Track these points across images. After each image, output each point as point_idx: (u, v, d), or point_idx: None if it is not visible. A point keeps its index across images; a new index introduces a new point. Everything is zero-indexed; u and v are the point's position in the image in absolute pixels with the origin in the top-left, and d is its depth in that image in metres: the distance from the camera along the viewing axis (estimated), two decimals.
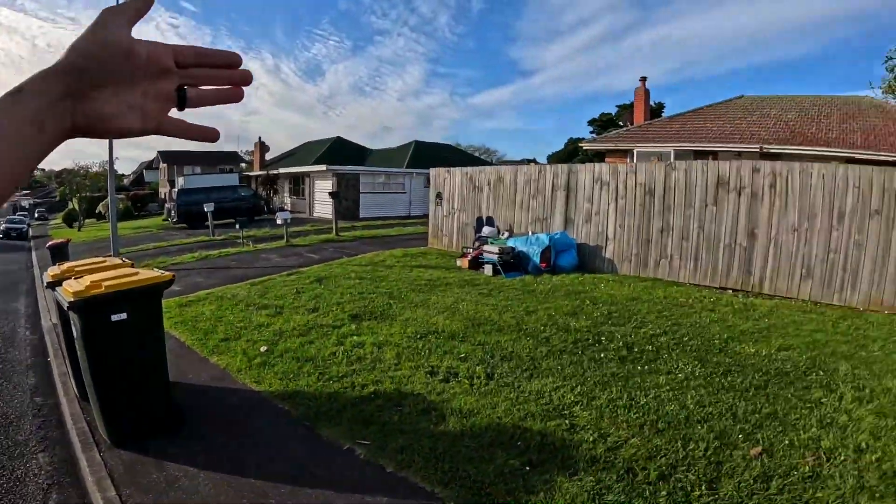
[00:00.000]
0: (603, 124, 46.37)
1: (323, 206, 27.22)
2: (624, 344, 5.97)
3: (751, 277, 8.80)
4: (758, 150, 17.30)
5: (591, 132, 47.22)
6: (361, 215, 27.01)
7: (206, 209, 19.52)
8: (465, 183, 13.00)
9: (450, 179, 13.45)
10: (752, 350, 5.84)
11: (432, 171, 13.93)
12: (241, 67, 0.59)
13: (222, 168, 44.03)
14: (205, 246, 15.99)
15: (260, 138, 40.96)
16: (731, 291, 8.91)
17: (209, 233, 19.31)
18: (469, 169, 13.04)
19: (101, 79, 0.51)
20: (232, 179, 30.33)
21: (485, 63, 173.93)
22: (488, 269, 9.82)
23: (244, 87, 0.60)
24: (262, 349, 6.06)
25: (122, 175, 64.63)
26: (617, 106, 47.39)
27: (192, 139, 0.60)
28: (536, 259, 9.78)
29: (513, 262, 9.91)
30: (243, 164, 48.63)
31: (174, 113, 0.58)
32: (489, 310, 7.32)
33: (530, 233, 11.07)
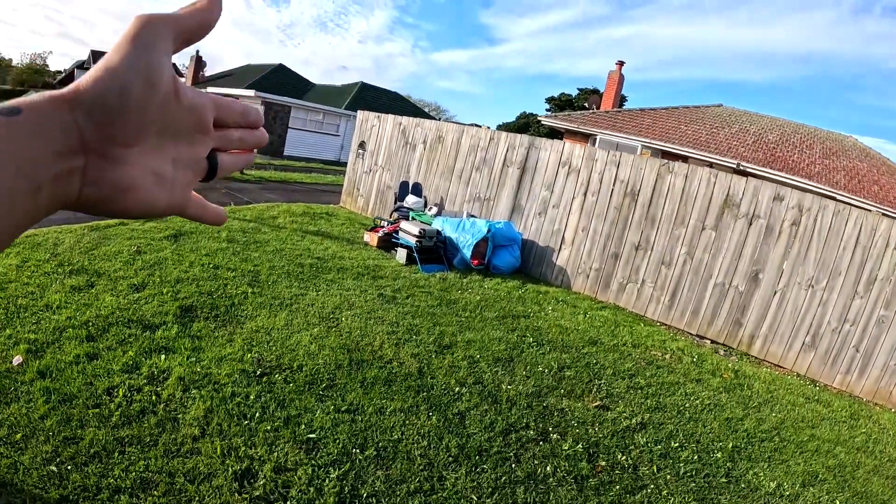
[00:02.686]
0: (560, 104, 44.63)
1: None
2: (584, 447, 3.54)
3: (739, 331, 6.66)
4: (734, 165, 15.45)
5: (548, 110, 45.37)
6: (286, 152, 23.89)
7: None
8: (396, 135, 10.15)
9: (379, 128, 10.54)
10: (772, 485, 3.61)
11: (359, 114, 10.98)
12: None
13: None
14: None
15: (197, 52, 35.83)
16: (709, 343, 6.77)
17: None
18: (404, 119, 10.20)
19: (133, 130, 0.34)
20: None
21: (454, 22, 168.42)
22: (401, 255, 7.16)
23: None
24: (15, 361, 3.34)
25: (55, 71, 57.53)
26: (579, 89, 45.61)
27: (204, 221, 0.46)
28: (467, 252, 7.20)
29: (435, 251, 7.28)
30: (181, 79, 43.83)
31: None
32: (384, 331, 4.67)
33: (465, 214, 8.45)
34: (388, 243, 7.57)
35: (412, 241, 7.02)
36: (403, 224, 7.33)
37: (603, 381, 4.70)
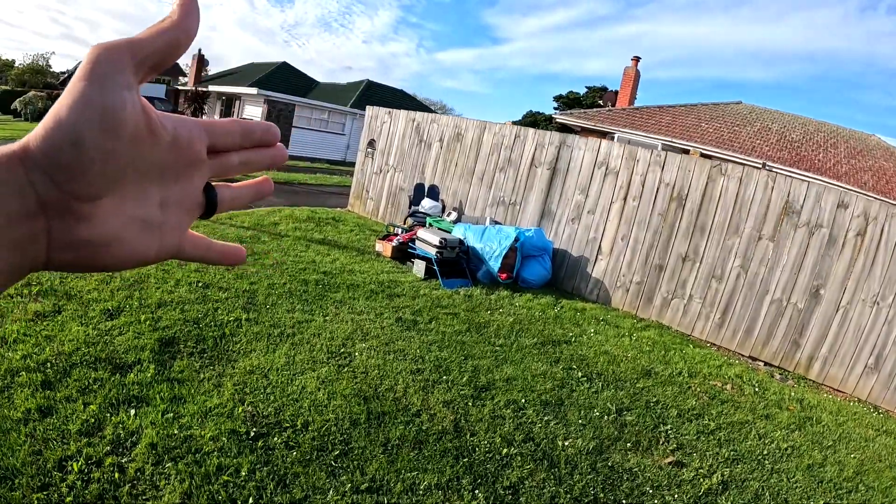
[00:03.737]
0: (569, 102, 43.89)
1: None
2: None
3: (797, 352, 5.87)
4: (760, 165, 14.58)
5: (556, 108, 44.65)
6: (290, 152, 22.94)
7: None
8: (409, 133, 9.32)
9: (389, 125, 9.72)
10: None
11: (369, 110, 10.17)
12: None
13: (159, 79, 38.75)
14: None
15: (200, 50, 35.04)
16: (763, 365, 5.99)
17: None
18: (418, 115, 9.38)
19: (98, 183, 0.30)
20: (154, 91, 26.14)
21: (458, 21, 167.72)
22: (419, 267, 6.35)
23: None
24: None
25: (58, 73, 57.28)
26: (587, 87, 44.99)
27: (213, 263, 0.41)
28: (495, 264, 6.38)
29: (457, 263, 6.46)
30: (183, 79, 43.48)
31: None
32: (408, 369, 3.86)
33: (488, 220, 7.63)
34: (404, 254, 6.75)
35: (432, 252, 6.21)
36: (421, 232, 6.52)
37: (669, 427, 3.89)
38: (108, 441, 2.63)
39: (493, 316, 5.39)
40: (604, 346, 5.28)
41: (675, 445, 3.66)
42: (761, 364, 6.07)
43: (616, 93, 22.42)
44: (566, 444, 3.34)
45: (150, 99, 18.96)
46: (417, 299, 5.42)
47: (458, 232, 6.83)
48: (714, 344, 6.34)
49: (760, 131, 17.55)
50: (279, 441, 2.83)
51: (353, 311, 4.78)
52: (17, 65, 45.16)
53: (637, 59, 20.88)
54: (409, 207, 8.31)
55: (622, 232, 6.73)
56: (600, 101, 28.11)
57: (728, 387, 5.11)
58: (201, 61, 35.29)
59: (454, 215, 7.87)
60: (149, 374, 3.27)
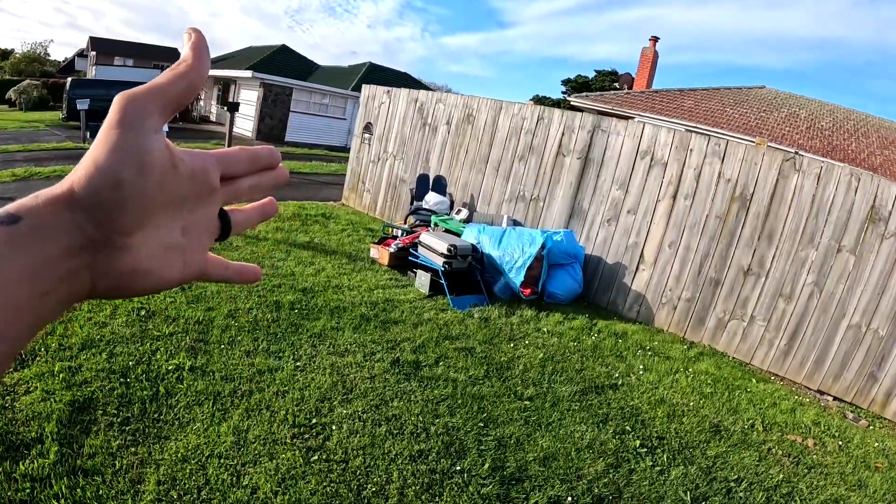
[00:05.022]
0: (577, 86, 42.32)
1: (245, 122, 22.08)
2: None
3: (873, 388, 4.86)
4: (793, 155, 13.35)
5: (563, 92, 43.15)
6: (287, 138, 21.89)
7: (79, 107, 14.62)
8: (411, 115, 8.09)
9: (388, 105, 8.47)
10: None
11: (365, 89, 8.93)
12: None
13: (157, 65, 37.44)
14: (59, 156, 10.86)
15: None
16: (831, 399, 4.97)
17: (83, 137, 13.99)
18: (421, 94, 8.15)
19: (136, 218, 0.33)
20: (149, 76, 24.95)
21: (464, 5, 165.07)
22: (422, 280, 5.19)
23: None
24: None
25: (56, 61, 56.03)
26: (596, 70, 43.29)
27: (231, 282, 0.45)
28: (517, 277, 5.22)
29: (469, 274, 5.30)
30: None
31: None
32: (407, 453, 2.71)
33: (504, 219, 6.44)
34: (404, 262, 5.59)
35: (438, 262, 5.04)
36: (425, 237, 5.34)
37: None
38: None
39: (518, 350, 4.23)
40: (657, 389, 4.14)
41: None
42: (830, 399, 5.02)
43: (631, 75, 21.07)
44: None
45: (138, 84, 19.26)
46: (420, 327, 4.26)
47: (469, 235, 5.65)
48: (777, 375, 5.23)
49: (788, 118, 16.33)
50: None
51: (334, 350, 3.62)
52: (15, 53, 44.11)
53: (655, 39, 19.55)
54: (411, 203, 7.12)
55: (670, 237, 5.54)
56: (615, 84, 26.73)
57: (810, 442, 4.05)
58: None
59: (464, 213, 6.68)
60: (48, 461, 2.21)
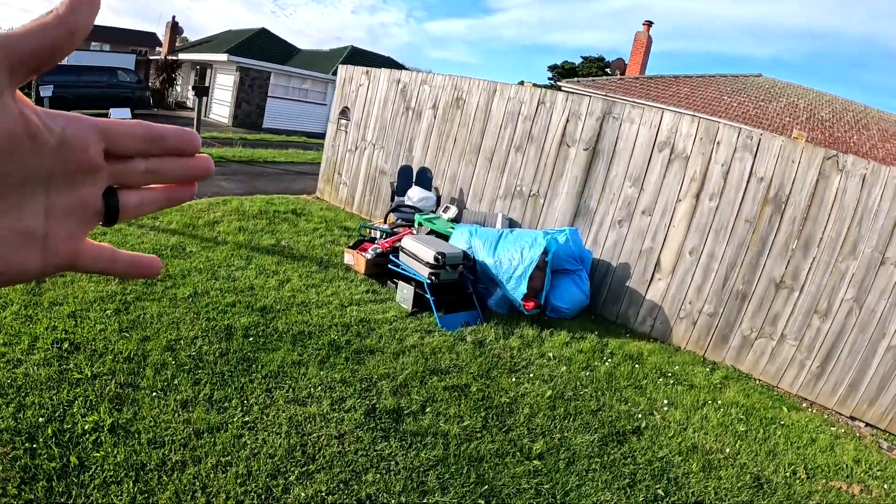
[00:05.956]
0: (564, 73, 41.57)
1: (221, 108, 21.33)
2: None
3: None
4: (835, 153, 12.77)
5: (550, 79, 42.41)
6: (265, 125, 21.03)
7: (42, 94, 13.74)
8: (393, 98, 7.26)
9: (368, 87, 7.62)
10: None
11: (341, 70, 8.08)
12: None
13: (134, 49, 36.22)
14: None
15: (174, 17, 32.58)
16: (864, 426, 4.44)
17: None
18: (404, 74, 7.32)
19: None
20: (123, 61, 24.23)
21: None
22: (404, 294, 4.43)
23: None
24: None
25: None
26: (582, 57, 42.56)
27: (121, 276, 0.35)
28: (516, 288, 4.47)
29: (460, 286, 4.55)
30: (159, 48, 40.96)
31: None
32: None
33: (499, 218, 5.68)
34: (383, 269, 4.81)
35: (424, 273, 4.28)
36: (407, 241, 4.57)
37: None
38: None
39: (521, 385, 3.49)
40: (686, 430, 3.45)
41: None
42: (862, 425, 4.48)
43: (623, 61, 20.35)
44: None
45: (116, 70, 16.87)
46: (402, 357, 3.50)
47: (459, 238, 4.89)
48: (806, 399, 4.60)
49: (787, 108, 15.79)
50: None
51: (294, 396, 2.85)
52: None
53: (649, 23, 18.82)
54: (392, 199, 6.33)
55: (691, 243, 4.83)
56: (606, 71, 26.02)
57: (855, 489, 3.48)
58: (174, 29, 32.43)
59: (453, 211, 5.90)
60: None
